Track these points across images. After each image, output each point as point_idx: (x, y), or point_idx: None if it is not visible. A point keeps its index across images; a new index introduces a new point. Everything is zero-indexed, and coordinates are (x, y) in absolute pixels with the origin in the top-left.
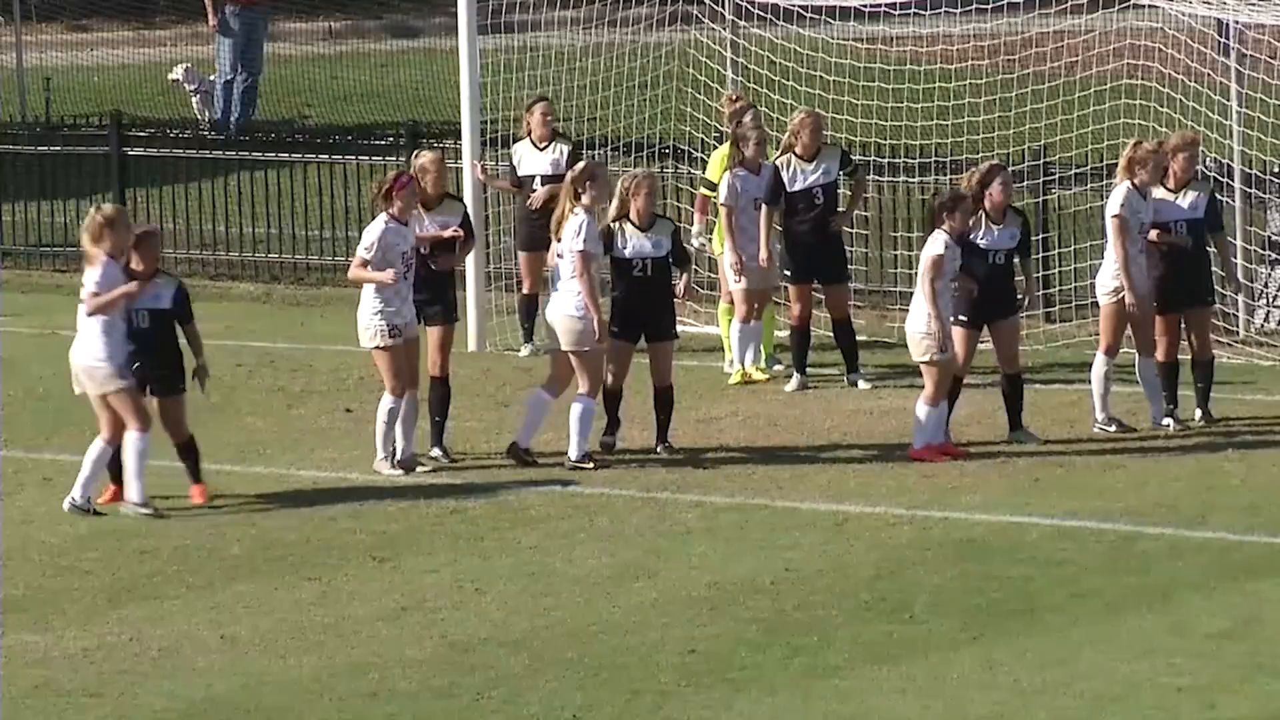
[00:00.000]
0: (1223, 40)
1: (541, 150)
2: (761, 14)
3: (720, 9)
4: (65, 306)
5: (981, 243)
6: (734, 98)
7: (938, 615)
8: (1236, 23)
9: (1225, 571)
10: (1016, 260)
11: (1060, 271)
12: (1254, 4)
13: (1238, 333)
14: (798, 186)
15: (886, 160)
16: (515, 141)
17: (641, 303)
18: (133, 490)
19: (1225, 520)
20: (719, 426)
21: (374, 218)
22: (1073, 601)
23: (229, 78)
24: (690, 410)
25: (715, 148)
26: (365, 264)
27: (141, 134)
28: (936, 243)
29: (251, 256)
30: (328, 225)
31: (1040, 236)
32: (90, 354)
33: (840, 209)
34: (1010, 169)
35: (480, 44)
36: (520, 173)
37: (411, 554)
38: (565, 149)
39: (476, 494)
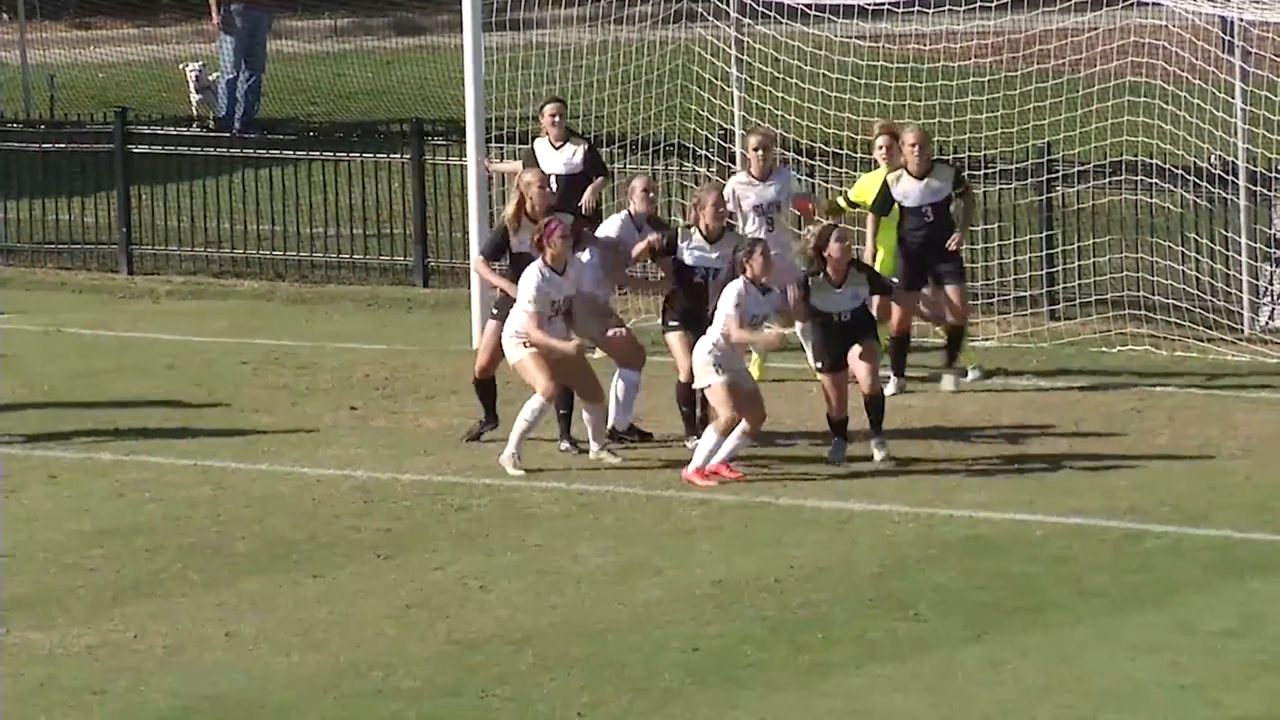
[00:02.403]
0: (1228, 38)
1: (557, 150)
2: (766, 12)
3: (725, 7)
4: (69, 304)
5: (824, 307)
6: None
7: (942, 613)
8: (1241, 20)
9: (1230, 569)
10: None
11: (1064, 269)
12: (1259, 1)
13: (1242, 330)
14: (909, 203)
15: None
16: (535, 138)
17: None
18: None
19: (1230, 518)
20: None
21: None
22: (1077, 599)
23: (232, 75)
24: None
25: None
26: (537, 316)
27: (146, 131)
28: (729, 294)
29: (256, 254)
30: (332, 223)
31: (1045, 234)
32: None
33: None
34: (1015, 166)
35: (485, 41)
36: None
37: (417, 551)
38: (580, 149)
39: (481, 491)
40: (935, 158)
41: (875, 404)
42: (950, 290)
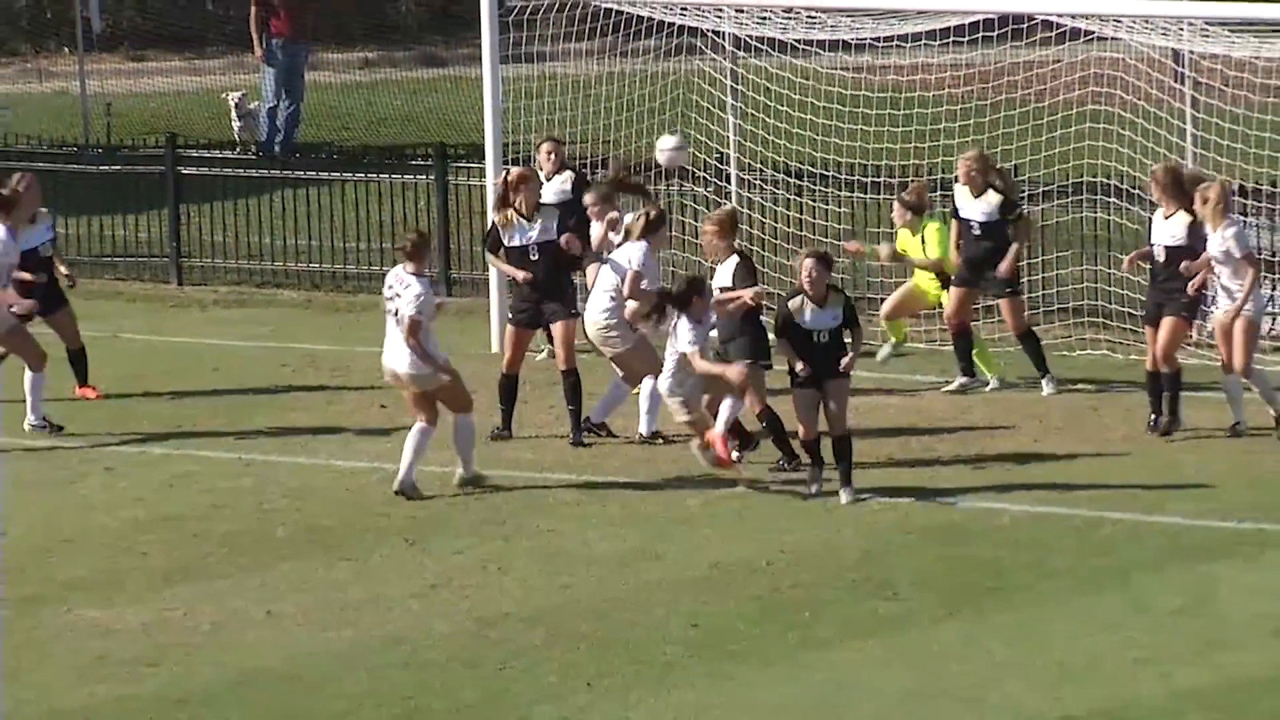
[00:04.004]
0: (1179, 69)
1: (548, 182)
2: (759, 46)
3: (721, 41)
4: (126, 311)
5: (804, 323)
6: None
7: (919, 593)
8: (1191, 52)
9: (1181, 553)
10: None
11: (1030, 280)
12: (1207, 35)
13: (1191, 336)
14: (962, 214)
15: (869, 179)
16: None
17: None
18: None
19: (1181, 506)
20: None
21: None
22: (1042, 581)
23: (273, 104)
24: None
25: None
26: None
27: (194, 154)
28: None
29: (294, 266)
30: (364, 238)
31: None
32: None
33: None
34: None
35: (502, 72)
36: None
37: (440, 537)
38: (570, 177)
39: (499, 482)
40: (993, 184)
41: (843, 447)
42: (1000, 303)
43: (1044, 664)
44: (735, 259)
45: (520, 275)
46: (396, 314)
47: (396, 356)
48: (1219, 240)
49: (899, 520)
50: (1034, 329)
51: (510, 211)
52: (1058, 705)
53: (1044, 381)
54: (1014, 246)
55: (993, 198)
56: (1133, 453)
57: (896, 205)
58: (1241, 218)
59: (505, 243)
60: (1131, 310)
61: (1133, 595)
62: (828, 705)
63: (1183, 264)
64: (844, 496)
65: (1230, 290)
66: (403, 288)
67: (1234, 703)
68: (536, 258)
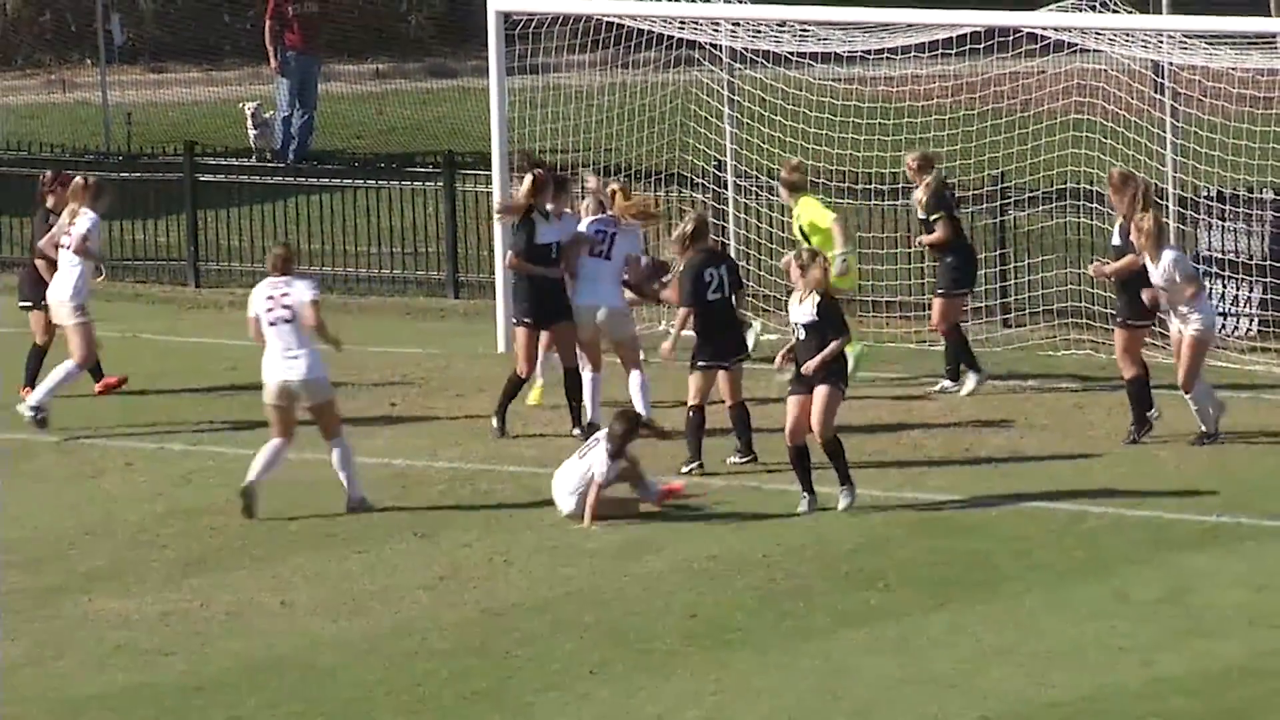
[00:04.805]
0: (1159, 80)
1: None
2: (754, 58)
3: (718, 53)
4: (145, 313)
5: (790, 314)
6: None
7: (909, 585)
8: (1171, 64)
9: (1161, 546)
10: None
11: (1016, 283)
12: (1186, 48)
13: (1170, 337)
14: (921, 216)
15: (860, 186)
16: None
17: None
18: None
19: (1161, 501)
20: (718, 419)
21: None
22: (1027, 572)
23: (287, 113)
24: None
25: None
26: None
27: (211, 162)
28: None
29: (307, 269)
30: (374, 242)
31: (999, 252)
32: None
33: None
34: (972, 193)
35: (508, 83)
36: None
37: (448, 530)
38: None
39: (505, 478)
40: (925, 182)
41: (829, 452)
42: (934, 300)
43: (1030, 652)
44: (678, 269)
45: (556, 272)
46: (290, 315)
47: (289, 366)
48: (1162, 271)
49: (890, 514)
50: (961, 327)
51: (519, 205)
52: (1043, 691)
53: (968, 376)
54: (936, 233)
55: (920, 195)
56: (1114, 450)
57: (781, 188)
58: (1180, 246)
59: (535, 241)
60: (1113, 312)
61: (1115, 586)
62: (821, 691)
63: (1092, 266)
64: (841, 501)
65: (1182, 312)
66: (288, 287)
67: (1212, 688)
68: (556, 256)
